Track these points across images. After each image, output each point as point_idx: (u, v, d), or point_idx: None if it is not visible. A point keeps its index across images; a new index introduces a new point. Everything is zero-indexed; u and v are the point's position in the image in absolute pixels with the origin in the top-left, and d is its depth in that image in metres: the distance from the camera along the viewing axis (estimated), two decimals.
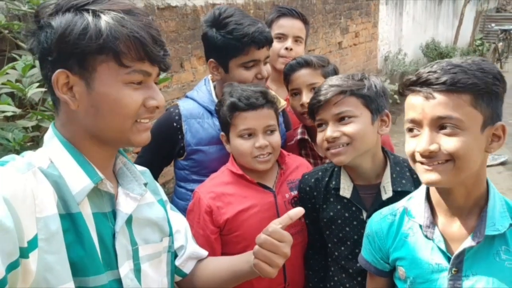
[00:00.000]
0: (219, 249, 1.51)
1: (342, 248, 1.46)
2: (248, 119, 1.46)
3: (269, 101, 1.49)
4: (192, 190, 1.65)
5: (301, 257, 1.62)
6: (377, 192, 1.40)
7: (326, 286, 1.54)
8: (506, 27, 11.62)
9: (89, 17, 0.83)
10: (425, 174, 1.03)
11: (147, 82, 0.92)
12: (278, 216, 1.48)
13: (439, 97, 0.98)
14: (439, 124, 0.99)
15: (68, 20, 0.83)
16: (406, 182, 1.39)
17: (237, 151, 1.51)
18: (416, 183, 1.38)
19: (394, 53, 8.03)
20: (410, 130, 1.05)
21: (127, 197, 0.99)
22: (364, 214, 1.40)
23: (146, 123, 0.94)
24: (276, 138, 1.51)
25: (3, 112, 1.44)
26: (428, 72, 1.00)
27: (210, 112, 1.68)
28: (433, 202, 1.14)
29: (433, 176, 1.01)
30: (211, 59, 1.66)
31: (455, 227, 1.09)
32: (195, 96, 1.72)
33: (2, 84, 1.51)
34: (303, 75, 1.75)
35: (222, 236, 1.50)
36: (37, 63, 1.61)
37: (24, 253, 0.74)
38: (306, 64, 1.75)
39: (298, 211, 1.06)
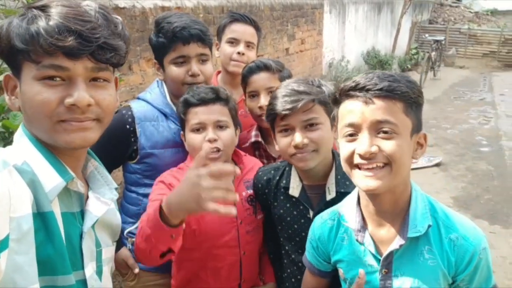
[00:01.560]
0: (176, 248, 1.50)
1: (292, 243, 1.52)
2: (199, 113, 1.50)
3: (221, 98, 1.53)
4: (144, 195, 1.63)
5: (256, 253, 1.66)
6: (323, 193, 1.45)
7: (282, 276, 1.60)
8: (438, 38, 12.44)
9: (6, 21, 0.85)
10: (364, 180, 1.05)
11: (71, 79, 0.85)
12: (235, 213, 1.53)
13: (378, 102, 1.03)
14: (377, 128, 1.03)
15: None
16: (349, 184, 1.41)
17: (189, 146, 1.53)
18: None
19: (337, 60, 8.36)
20: (348, 135, 1.08)
21: (98, 200, 0.98)
22: (311, 213, 1.45)
23: (77, 122, 0.87)
24: (227, 134, 1.52)
25: None
26: (366, 79, 1.05)
27: (164, 114, 1.67)
28: (362, 206, 1.19)
29: (372, 183, 1.04)
30: (154, 60, 1.71)
31: (383, 230, 1.14)
32: (148, 98, 1.70)
33: None
34: (262, 79, 1.79)
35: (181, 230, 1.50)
36: None
37: None
38: (265, 68, 1.79)
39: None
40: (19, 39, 0.81)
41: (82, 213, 0.95)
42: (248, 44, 2.12)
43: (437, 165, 5.53)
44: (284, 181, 1.51)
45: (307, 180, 1.49)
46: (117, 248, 1.70)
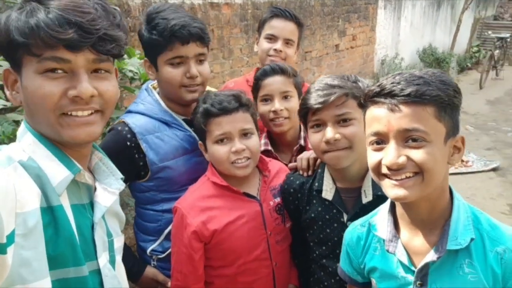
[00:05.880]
0: (202, 268, 1.47)
1: (324, 248, 1.47)
2: (223, 123, 1.42)
3: (243, 104, 1.45)
4: (164, 211, 1.56)
5: (288, 263, 1.61)
6: (358, 196, 1.39)
7: (308, 281, 1.56)
8: (502, 35, 11.61)
9: (4, 15, 0.84)
10: (393, 189, 1.00)
11: (73, 71, 0.85)
12: (265, 225, 1.48)
13: (405, 109, 0.95)
14: (405, 137, 0.96)
15: None
16: None
17: (214, 158, 1.46)
18: None
19: (391, 57, 8.06)
20: (375, 143, 1.02)
21: (105, 191, 0.99)
22: (345, 217, 1.40)
23: (80, 117, 0.87)
24: (254, 142, 1.46)
25: None
26: (392, 83, 0.97)
27: (165, 123, 1.55)
28: (397, 215, 1.12)
29: (401, 192, 0.98)
30: (145, 58, 1.58)
31: (419, 240, 1.07)
32: (142, 109, 1.55)
33: None
34: (277, 82, 1.70)
35: (210, 249, 1.46)
36: None
37: (2, 248, 0.72)
38: (281, 71, 1.71)
39: None
40: (19, 33, 0.80)
41: (92, 205, 0.96)
42: (287, 41, 2.04)
43: (494, 169, 5.18)
44: (316, 184, 1.46)
45: (341, 183, 1.43)
46: (141, 268, 1.62)
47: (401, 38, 8.54)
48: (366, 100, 1.04)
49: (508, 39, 11.89)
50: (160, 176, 1.53)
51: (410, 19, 8.80)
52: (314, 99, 1.34)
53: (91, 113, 0.89)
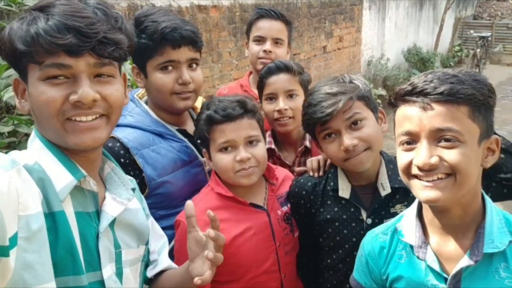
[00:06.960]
0: (208, 285, 1.36)
1: (340, 251, 1.42)
2: (227, 131, 1.35)
3: (249, 110, 1.39)
4: (163, 228, 1.40)
5: (295, 272, 1.55)
6: (374, 191, 1.38)
7: None
8: (483, 34, 11.87)
9: (8, 26, 0.87)
10: (424, 191, 0.96)
11: (75, 76, 0.86)
12: (273, 236, 1.42)
13: (438, 108, 0.93)
14: (437, 137, 0.94)
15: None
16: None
17: (218, 167, 1.40)
18: None
19: (377, 58, 8.09)
20: (405, 143, 0.99)
21: (114, 201, 0.98)
22: (364, 214, 1.37)
23: (84, 122, 0.88)
24: (260, 150, 1.40)
25: None
26: (424, 81, 0.95)
27: (159, 135, 1.45)
28: (426, 220, 1.08)
29: (433, 194, 0.94)
30: (133, 64, 1.48)
31: (450, 246, 1.03)
32: (132, 122, 1.43)
33: None
34: (282, 80, 1.66)
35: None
36: None
37: (5, 251, 0.72)
38: (286, 69, 1.67)
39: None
40: (21, 42, 0.82)
41: (98, 213, 0.95)
42: (276, 41, 1.99)
43: None
44: (331, 183, 1.42)
45: (356, 181, 1.41)
46: None
47: (386, 39, 8.58)
48: (397, 99, 1.00)
49: (489, 38, 12.11)
50: (159, 192, 1.43)
51: (394, 19, 8.87)
52: (321, 112, 1.31)
53: (95, 118, 0.89)
